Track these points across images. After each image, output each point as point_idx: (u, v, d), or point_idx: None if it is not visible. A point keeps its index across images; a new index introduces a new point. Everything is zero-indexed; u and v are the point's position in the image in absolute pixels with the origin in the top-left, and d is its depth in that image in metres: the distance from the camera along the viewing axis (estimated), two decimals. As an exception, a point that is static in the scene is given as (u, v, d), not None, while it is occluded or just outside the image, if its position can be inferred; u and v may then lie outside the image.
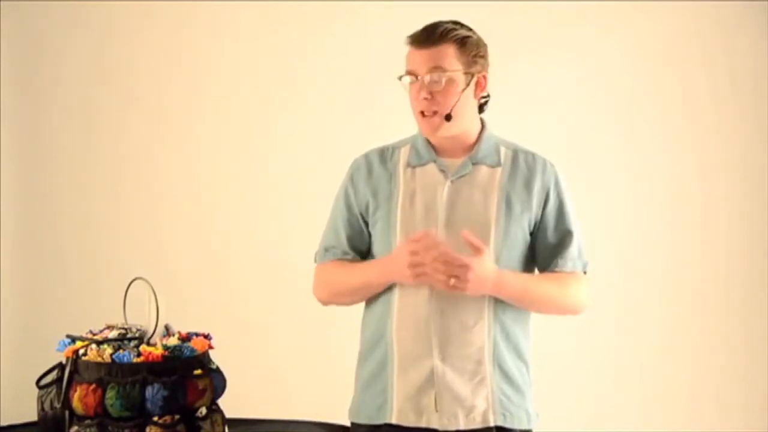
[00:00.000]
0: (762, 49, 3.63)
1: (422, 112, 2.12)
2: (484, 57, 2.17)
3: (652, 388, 3.68)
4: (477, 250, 2.02)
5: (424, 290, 2.10)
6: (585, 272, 2.22)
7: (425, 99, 2.10)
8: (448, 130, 2.14)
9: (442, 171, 2.16)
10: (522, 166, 2.19)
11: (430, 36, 2.10)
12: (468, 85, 2.13)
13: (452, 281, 2.00)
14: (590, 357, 3.67)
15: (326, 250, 2.25)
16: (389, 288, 2.15)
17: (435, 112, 2.11)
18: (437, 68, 2.10)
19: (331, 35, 3.70)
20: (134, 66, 3.72)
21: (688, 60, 3.68)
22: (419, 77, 2.11)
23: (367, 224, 2.22)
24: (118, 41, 3.71)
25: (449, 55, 2.11)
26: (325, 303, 2.31)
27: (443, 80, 2.10)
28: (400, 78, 2.14)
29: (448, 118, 2.13)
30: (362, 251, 2.23)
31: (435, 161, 2.18)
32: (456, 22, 2.15)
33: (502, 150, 2.20)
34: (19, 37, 3.67)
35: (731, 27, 3.66)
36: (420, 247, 2.02)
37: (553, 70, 3.65)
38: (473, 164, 2.17)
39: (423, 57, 2.11)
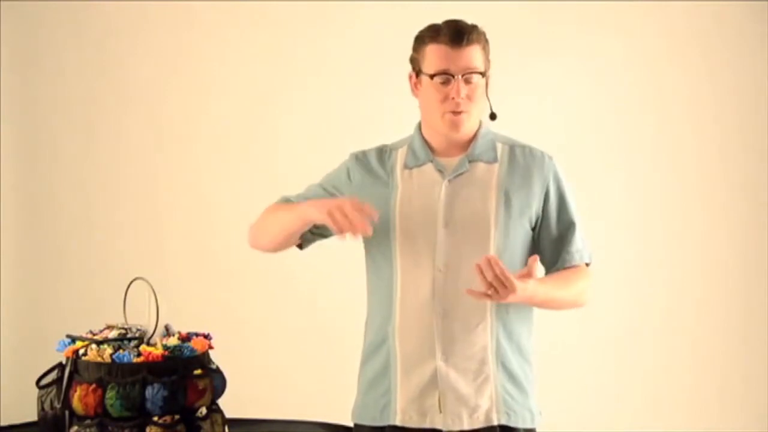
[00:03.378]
0: (762, 49, 3.63)
1: (453, 112, 2.11)
2: (490, 60, 2.18)
3: (653, 387, 3.68)
4: (528, 276, 1.99)
5: (426, 292, 2.10)
6: (589, 263, 2.22)
7: (461, 99, 2.09)
8: (469, 129, 2.14)
9: (440, 171, 2.16)
10: (520, 161, 2.18)
11: (466, 36, 2.09)
12: (486, 85, 2.15)
13: (491, 291, 1.96)
14: (591, 355, 3.67)
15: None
16: (391, 291, 2.15)
17: (462, 112, 2.11)
18: (473, 70, 2.10)
19: (331, 36, 3.70)
20: (134, 66, 3.72)
21: (689, 59, 3.69)
22: (455, 77, 2.10)
23: None
24: (118, 41, 3.71)
25: (479, 57, 2.12)
26: (253, 244, 2.32)
27: (475, 80, 2.10)
28: (431, 77, 2.11)
29: (493, 117, 2.16)
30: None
31: (432, 161, 2.17)
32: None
33: (499, 146, 2.20)
34: (19, 37, 3.67)
35: (731, 27, 3.66)
36: (341, 213, 1.99)
37: (553, 70, 3.65)
38: (470, 162, 2.16)
39: (458, 57, 2.09)
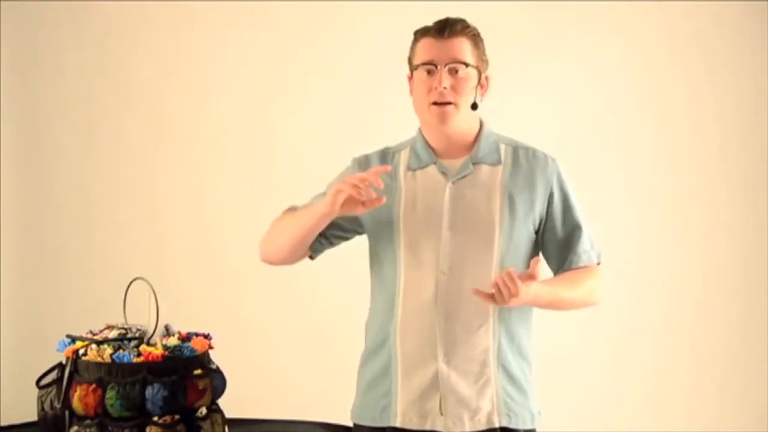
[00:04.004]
0: (762, 49, 3.63)
1: (435, 102, 2.11)
2: (487, 59, 2.18)
3: (653, 387, 3.68)
4: (535, 277, 1.99)
5: (429, 294, 2.10)
6: (599, 262, 2.22)
7: (444, 89, 2.09)
8: (459, 123, 2.14)
9: (443, 173, 2.16)
10: (523, 163, 2.18)
11: (450, 28, 2.11)
12: (478, 82, 2.14)
13: (494, 289, 1.96)
14: (591, 355, 3.67)
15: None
16: (394, 292, 2.15)
17: (449, 103, 2.11)
18: (457, 60, 2.10)
19: (331, 36, 3.70)
20: (134, 66, 3.72)
21: (689, 59, 3.69)
22: (438, 67, 2.11)
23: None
24: (118, 41, 3.71)
25: (466, 49, 2.12)
26: (265, 257, 2.27)
27: (461, 72, 2.10)
28: (416, 67, 2.13)
29: (474, 107, 2.14)
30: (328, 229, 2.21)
31: (435, 163, 2.17)
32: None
33: (502, 147, 2.20)
34: (19, 37, 3.67)
35: (731, 27, 3.67)
36: (345, 183, 2.01)
37: (553, 70, 3.65)
38: (474, 164, 2.16)
39: (443, 48, 2.10)
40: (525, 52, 3.59)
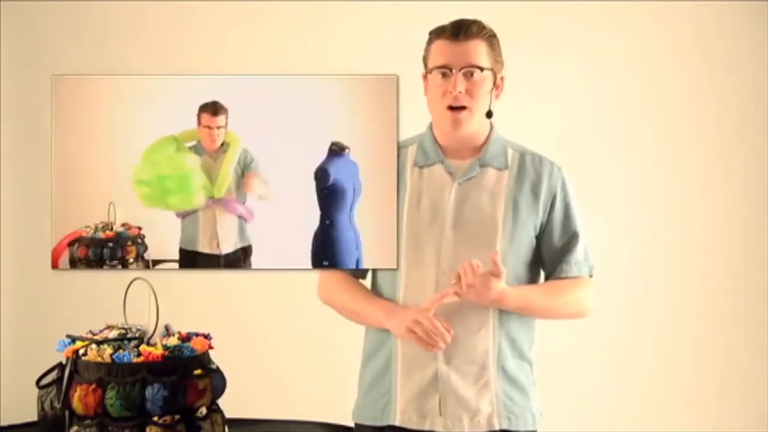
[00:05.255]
0: (762, 49, 3.63)
1: (450, 107, 2.11)
2: (502, 60, 2.17)
3: (653, 387, 3.68)
4: (497, 273, 2.02)
5: (430, 294, 2.10)
6: (591, 275, 2.22)
7: (459, 93, 2.08)
8: (471, 127, 2.13)
9: (450, 173, 2.16)
10: (529, 170, 2.18)
11: (465, 30, 2.10)
12: (493, 84, 2.14)
13: (454, 281, 2.02)
14: (592, 356, 3.67)
15: None
16: (395, 291, 2.15)
17: (463, 108, 2.10)
18: (473, 64, 2.09)
19: (331, 36, 3.69)
20: (134, 66, 3.71)
21: (689, 59, 3.69)
22: (453, 71, 2.10)
23: None
24: (118, 41, 3.71)
25: (482, 52, 2.11)
26: (324, 304, 2.32)
27: (477, 76, 2.09)
28: (431, 70, 2.12)
29: (489, 115, 2.14)
30: None
31: (442, 162, 2.17)
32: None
33: (510, 152, 2.20)
34: (19, 37, 3.67)
35: (731, 27, 3.67)
36: (422, 328, 2.03)
37: (553, 70, 3.65)
38: (481, 166, 2.16)
39: (458, 51, 2.09)
40: (525, 52, 3.59)
